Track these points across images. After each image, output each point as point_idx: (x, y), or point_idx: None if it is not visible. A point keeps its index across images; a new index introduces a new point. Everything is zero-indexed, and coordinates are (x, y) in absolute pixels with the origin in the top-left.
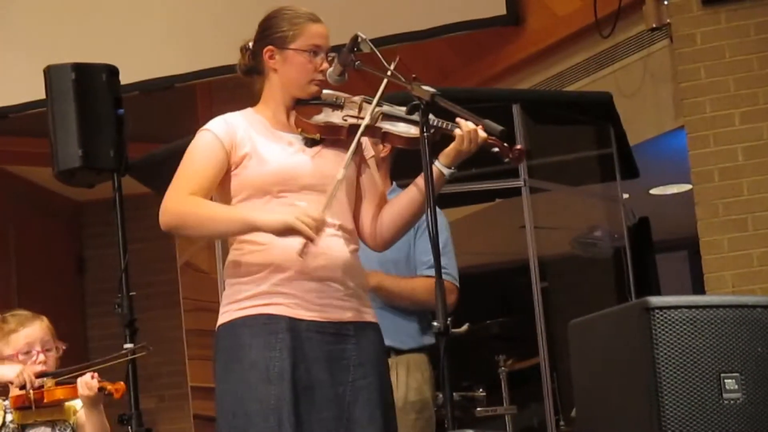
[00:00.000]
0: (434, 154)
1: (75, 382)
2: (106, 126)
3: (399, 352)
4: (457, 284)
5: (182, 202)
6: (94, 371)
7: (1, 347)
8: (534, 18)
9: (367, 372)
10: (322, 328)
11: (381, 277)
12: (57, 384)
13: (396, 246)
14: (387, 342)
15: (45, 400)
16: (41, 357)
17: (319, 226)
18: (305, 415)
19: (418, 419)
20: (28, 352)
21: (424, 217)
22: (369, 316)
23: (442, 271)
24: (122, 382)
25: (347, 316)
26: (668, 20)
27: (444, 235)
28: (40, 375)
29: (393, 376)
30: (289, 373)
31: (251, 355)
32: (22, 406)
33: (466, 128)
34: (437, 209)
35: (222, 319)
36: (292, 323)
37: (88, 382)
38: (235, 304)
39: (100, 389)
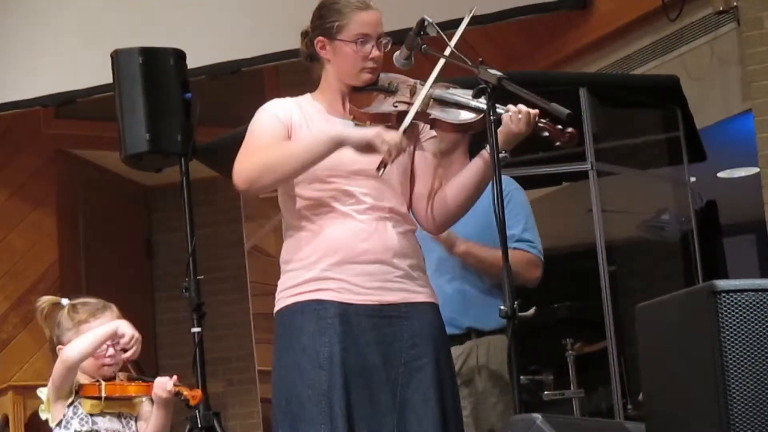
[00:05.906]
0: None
1: (150, 380)
2: (173, 110)
3: (480, 333)
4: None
5: (256, 155)
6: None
7: (71, 337)
8: (601, 1)
9: (421, 353)
10: (372, 312)
11: (470, 245)
12: (129, 379)
13: (477, 221)
14: (468, 323)
15: (116, 394)
16: (110, 351)
17: (398, 148)
18: (357, 399)
19: (497, 403)
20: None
21: (506, 189)
22: (423, 296)
23: (530, 245)
24: (200, 390)
25: (398, 297)
26: (735, 3)
27: (526, 210)
28: (128, 361)
29: (473, 358)
30: (339, 358)
31: (302, 341)
32: (91, 396)
33: (514, 109)
34: (517, 186)
35: (277, 305)
36: (342, 308)
37: (164, 384)
38: (288, 291)
39: (177, 393)
